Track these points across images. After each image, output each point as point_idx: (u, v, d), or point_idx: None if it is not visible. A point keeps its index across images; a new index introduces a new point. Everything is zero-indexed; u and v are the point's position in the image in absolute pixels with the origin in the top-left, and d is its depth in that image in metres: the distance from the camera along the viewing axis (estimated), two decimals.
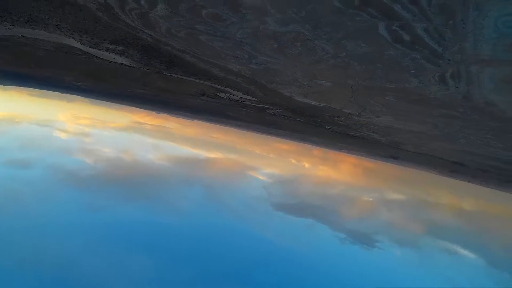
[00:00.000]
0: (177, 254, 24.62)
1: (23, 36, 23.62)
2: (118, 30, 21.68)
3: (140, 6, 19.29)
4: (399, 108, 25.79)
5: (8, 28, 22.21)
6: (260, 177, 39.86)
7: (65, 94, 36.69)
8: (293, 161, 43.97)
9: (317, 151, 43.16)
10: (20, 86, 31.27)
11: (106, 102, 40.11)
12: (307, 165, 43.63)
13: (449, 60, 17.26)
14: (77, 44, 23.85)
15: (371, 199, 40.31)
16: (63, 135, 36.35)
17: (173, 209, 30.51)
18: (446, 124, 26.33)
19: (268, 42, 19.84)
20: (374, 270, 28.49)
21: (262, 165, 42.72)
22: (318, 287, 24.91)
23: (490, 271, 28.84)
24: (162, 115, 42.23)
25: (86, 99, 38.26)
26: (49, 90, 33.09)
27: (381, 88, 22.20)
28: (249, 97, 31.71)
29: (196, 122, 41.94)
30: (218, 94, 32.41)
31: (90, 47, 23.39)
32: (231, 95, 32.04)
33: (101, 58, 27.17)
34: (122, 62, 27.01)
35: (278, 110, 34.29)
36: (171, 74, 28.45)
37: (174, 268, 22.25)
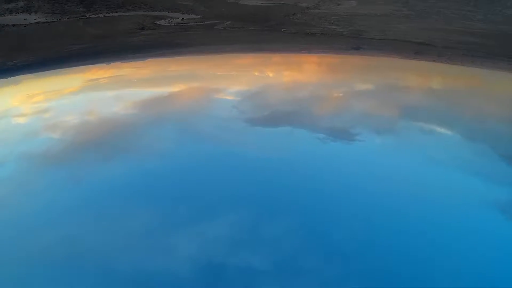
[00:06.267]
0: (174, 194, 24.96)
1: None
2: None
3: None
4: None
5: None
6: (228, 97, 38.71)
7: (8, 79, 33.66)
8: (256, 73, 42.40)
9: (277, 57, 41.37)
10: None
11: (51, 71, 37.00)
12: (271, 74, 42.19)
13: None
14: None
15: (341, 94, 39.92)
16: (22, 120, 34.22)
17: (154, 152, 30.01)
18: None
19: None
20: (360, 162, 29.21)
21: (227, 85, 41.24)
22: (311, 188, 25.61)
23: (467, 144, 29.64)
24: (113, 64, 39.15)
25: (31, 75, 35.11)
26: None
27: None
28: (191, 16, 28.96)
29: (149, 61, 39.11)
30: (157, 23, 29.48)
31: None
32: (172, 19, 29.19)
33: (13, 25, 23.91)
34: (36, 20, 23.83)
35: (227, 23, 31.52)
36: (97, 15, 25.37)
37: (175, 207, 22.68)
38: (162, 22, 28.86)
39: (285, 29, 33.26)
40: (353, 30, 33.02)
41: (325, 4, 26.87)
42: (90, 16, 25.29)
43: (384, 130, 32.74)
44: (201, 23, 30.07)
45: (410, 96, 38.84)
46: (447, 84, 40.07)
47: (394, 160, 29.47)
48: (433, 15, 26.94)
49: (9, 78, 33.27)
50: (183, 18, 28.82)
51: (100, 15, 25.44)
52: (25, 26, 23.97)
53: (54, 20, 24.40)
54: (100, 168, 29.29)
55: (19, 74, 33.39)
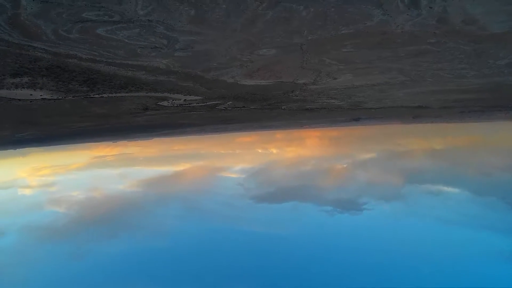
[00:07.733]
0: (177, 273, 23.28)
1: None
2: (4, 54, 18.96)
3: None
4: (358, 59, 23.51)
5: None
6: (232, 175, 38.90)
7: (17, 150, 34.25)
8: (259, 150, 42.97)
9: (280, 134, 41.80)
10: None
11: (58, 145, 37.90)
12: (274, 150, 42.81)
13: None
14: None
15: (345, 165, 39.73)
16: (28, 192, 34.59)
17: (159, 231, 28.97)
18: (413, 65, 24.37)
19: (180, 9, 16.83)
20: (370, 232, 27.47)
21: (231, 163, 41.76)
22: (321, 264, 23.44)
23: (476, 199, 28.38)
24: (120, 142, 39.96)
25: (39, 148, 35.90)
26: None
27: (337, 37, 19.53)
28: (193, 97, 29.59)
29: (154, 140, 39.72)
30: (160, 103, 30.28)
31: None
32: (174, 101, 29.92)
33: (19, 99, 24.85)
34: (42, 96, 24.69)
35: (228, 103, 32.29)
36: (100, 95, 26.20)
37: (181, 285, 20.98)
38: (165, 103, 29.56)
39: (285, 107, 33.68)
40: (351, 102, 33.23)
41: (322, 79, 26.89)
42: (94, 96, 26.16)
43: (391, 196, 31.11)
44: (203, 103, 30.75)
45: (413, 160, 37.77)
46: (447, 143, 39.28)
47: (405, 225, 27.14)
48: (428, 79, 26.77)
49: (17, 149, 34.10)
50: (185, 100, 29.43)
51: (104, 95, 26.19)
52: (31, 101, 24.76)
53: (59, 97, 25.24)
54: (101, 244, 27.77)
55: (27, 147, 34.35)
